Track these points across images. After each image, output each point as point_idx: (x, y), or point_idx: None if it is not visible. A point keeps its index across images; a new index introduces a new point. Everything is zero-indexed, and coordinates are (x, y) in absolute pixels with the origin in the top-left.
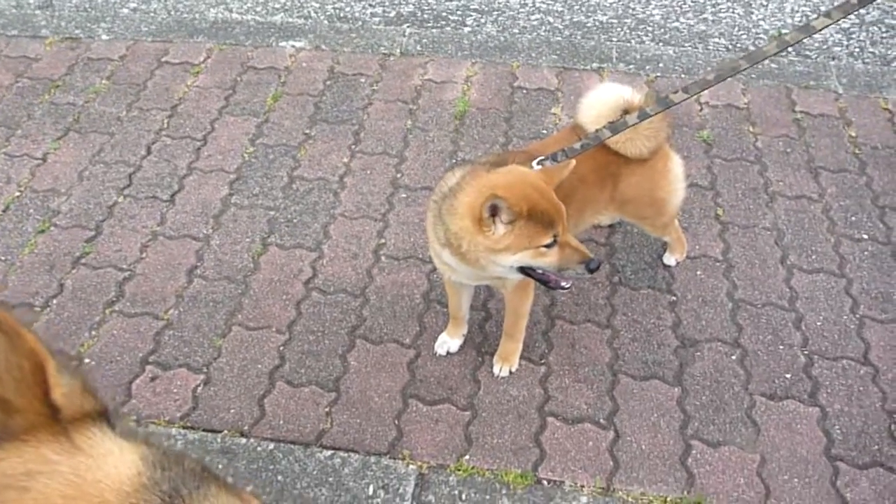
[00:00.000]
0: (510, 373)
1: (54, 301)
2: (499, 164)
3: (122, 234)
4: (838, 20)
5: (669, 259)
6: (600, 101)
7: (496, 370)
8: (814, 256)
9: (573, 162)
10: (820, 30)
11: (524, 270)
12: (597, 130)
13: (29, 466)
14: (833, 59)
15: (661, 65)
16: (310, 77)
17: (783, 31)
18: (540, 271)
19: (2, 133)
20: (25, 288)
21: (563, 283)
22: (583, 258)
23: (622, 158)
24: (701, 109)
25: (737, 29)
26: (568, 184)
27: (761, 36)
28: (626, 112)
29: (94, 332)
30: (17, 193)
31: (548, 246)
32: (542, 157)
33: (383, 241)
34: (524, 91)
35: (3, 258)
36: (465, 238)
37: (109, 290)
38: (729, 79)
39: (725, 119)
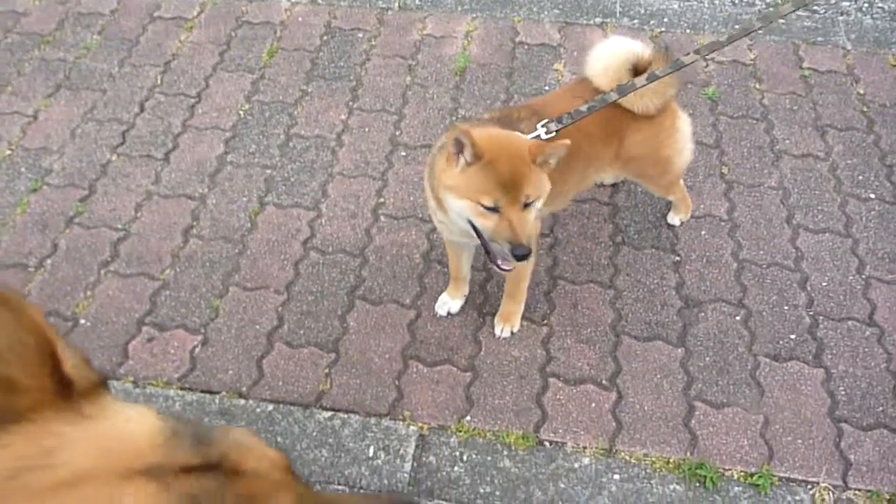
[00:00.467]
0: (511, 333)
1: (48, 261)
2: (502, 119)
3: (116, 193)
4: None
5: (673, 219)
6: (610, 54)
7: (497, 331)
8: (820, 216)
9: (567, 142)
10: None
11: (476, 231)
12: (604, 93)
13: (44, 443)
14: (842, 14)
15: (665, 19)
16: (306, 32)
17: None
18: (485, 237)
19: None
20: (18, 248)
21: (499, 262)
22: (512, 238)
23: (629, 115)
24: (707, 66)
25: None
26: (573, 140)
27: None
28: (635, 67)
29: (88, 293)
30: (8, 152)
31: (489, 209)
32: (548, 120)
33: (382, 200)
34: (526, 46)
35: None
36: (435, 174)
37: (104, 250)
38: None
39: (731, 76)
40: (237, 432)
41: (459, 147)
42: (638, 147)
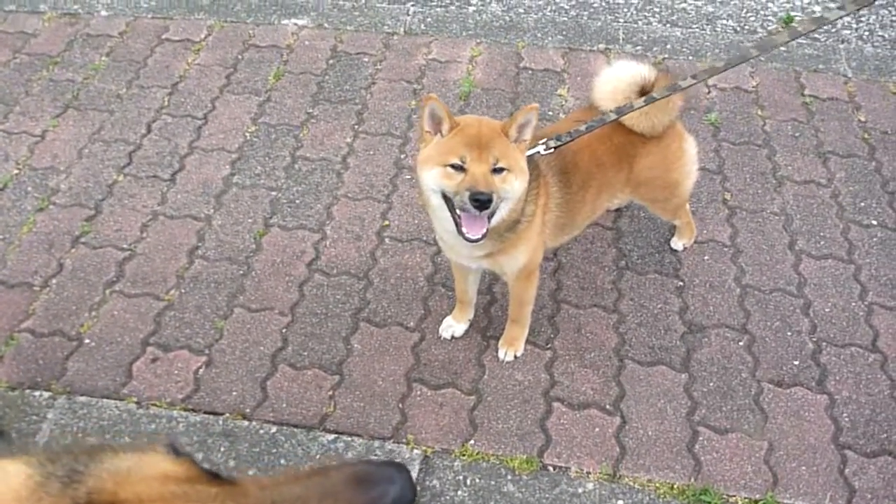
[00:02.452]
0: (515, 357)
1: (53, 281)
2: None
3: (122, 213)
4: (851, 12)
5: (677, 244)
6: (617, 78)
7: (501, 355)
8: (822, 242)
9: (536, 105)
10: (833, 21)
11: (448, 204)
12: (602, 114)
13: None
14: (842, 42)
15: (668, 46)
16: (312, 56)
17: (792, 13)
18: (458, 209)
19: (0, 109)
20: (24, 267)
21: (464, 230)
22: (472, 185)
23: (638, 140)
24: (709, 92)
25: (745, 11)
26: (586, 168)
27: (770, 18)
28: (642, 89)
29: (93, 313)
30: (16, 171)
31: (456, 167)
32: (547, 138)
33: (387, 222)
34: (530, 72)
35: (1, 237)
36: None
37: (109, 270)
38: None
39: (733, 102)
40: (118, 460)
41: (436, 122)
42: (648, 171)
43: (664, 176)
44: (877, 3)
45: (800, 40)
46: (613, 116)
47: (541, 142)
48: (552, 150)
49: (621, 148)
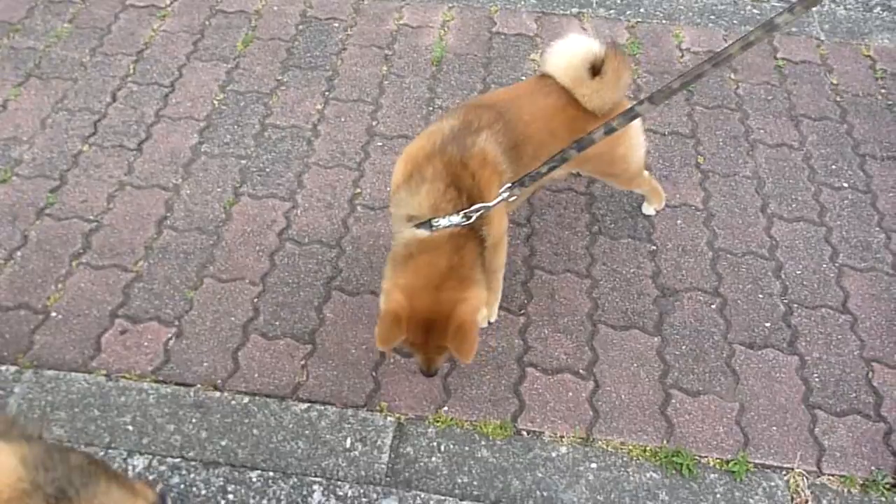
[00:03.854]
0: (489, 324)
1: (18, 253)
2: (463, 128)
3: (88, 183)
4: (800, 15)
5: (648, 209)
6: (569, 52)
7: None
8: (794, 205)
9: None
10: (783, 27)
11: None
12: (562, 151)
13: None
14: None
15: (641, 10)
16: (281, 21)
17: None
18: None
19: None
20: None
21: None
22: (422, 369)
23: (589, 115)
24: (682, 56)
25: None
26: (538, 138)
27: None
28: (593, 66)
29: (60, 285)
30: None
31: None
32: (510, 185)
33: (359, 190)
34: (502, 36)
35: None
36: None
37: (76, 242)
38: (693, 82)
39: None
40: (108, 495)
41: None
42: (596, 146)
43: (610, 151)
44: None
45: (772, 3)
46: (574, 153)
47: (503, 189)
48: (515, 197)
49: (573, 121)
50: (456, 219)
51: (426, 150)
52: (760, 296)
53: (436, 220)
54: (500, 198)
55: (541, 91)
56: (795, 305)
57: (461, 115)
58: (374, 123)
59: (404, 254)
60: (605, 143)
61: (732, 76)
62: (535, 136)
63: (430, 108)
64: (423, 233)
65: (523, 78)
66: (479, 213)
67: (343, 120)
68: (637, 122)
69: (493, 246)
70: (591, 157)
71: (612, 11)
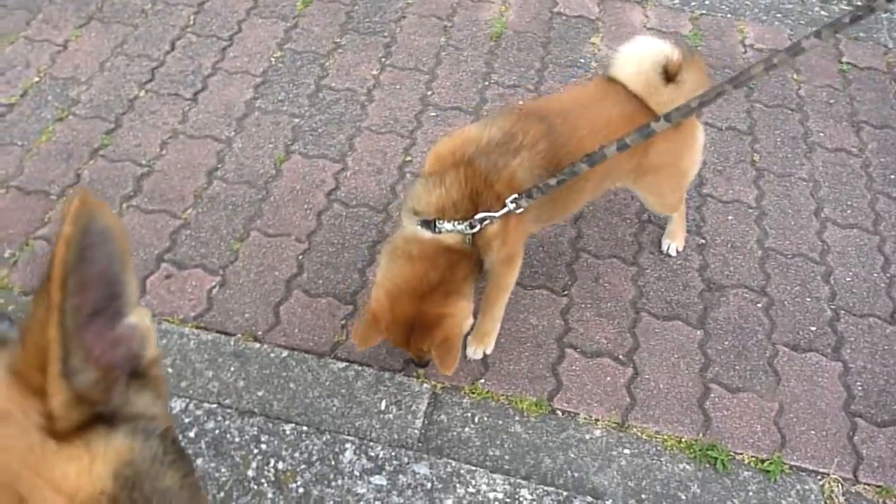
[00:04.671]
0: (485, 355)
1: (70, 191)
2: (504, 142)
3: (142, 128)
4: (828, 39)
5: (669, 246)
6: (640, 55)
7: (469, 353)
8: (849, 211)
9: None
10: (808, 50)
11: None
12: (573, 164)
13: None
14: (886, 11)
15: (706, 2)
16: None
17: None
18: None
19: (22, 16)
20: (42, 175)
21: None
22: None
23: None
24: (745, 52)
25: None
26: (599, 143)
27: None
28: (666, 70)
29: None
30: (37, 79)
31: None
32: (517, 196)
33: (409, 158)
34: (563, 17)
35: (19, 143)
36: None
37: (127, 185)
38: (715, 99)
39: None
40: None
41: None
42: (662, 156)
43: (676, 163)
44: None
45: (841, 6)
46: (585, 167)
47: (510, 199)
48: (522, 210)
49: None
50: (461, 226)
51: (456, 156)
52: (808, 299)
53: (441, 221)
54: (505, 209)
55: (605, 99)
56: (843, 312)
57: (508, 123)
58: (428, 93)
59: (402, 251)
60: (674, 154)
61: (795, 77)
62: (593, 143)
63: (486, 83)
64: (425, 233)
65: (582, 61)
66: (485, 223)
67: (398, 87)
68: (702, 142)
69: (505, 261)
70: (655, 168)
71: (676, 2)
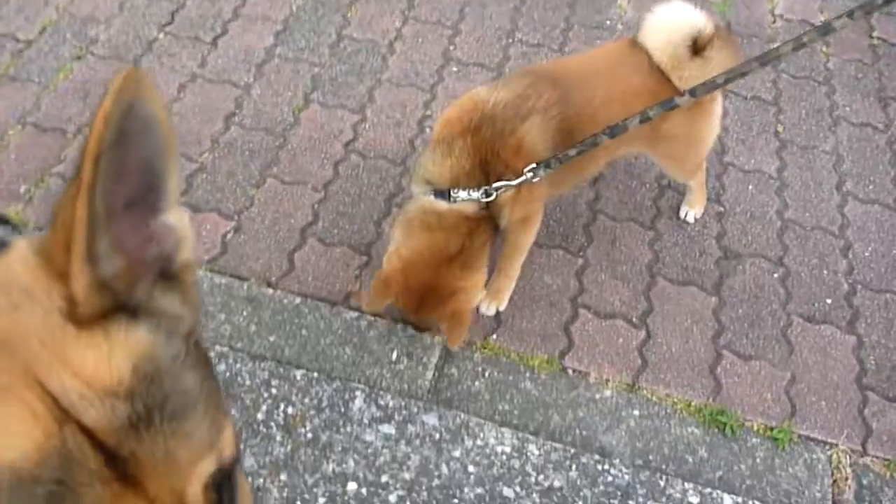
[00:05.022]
0: (498, 311)
1: (87, 129)
2: (514, 103)
3: (161, 71)
4: (859, 20)
5: (688, 213)
6: (671, 25)
7: (483, 308)
8: (871, 187)
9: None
10: (839, 29)
11: None
12: (594, 135)
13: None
14: None
15: None
16: None
17: None
18: None
19: None
20: (59, 113)
21: None
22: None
23: (675, 91)
24: (774, 21)
25: None
26: (613, 115)
27: None
28: (695, 42)
29: None
30: (55, 16)
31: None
32: (535, 165)
33: (429, 112)
34: None
35: (37, 80)
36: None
37: None
38: (740, 77)
39: (798, 34)
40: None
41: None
42: (679, 126)
43: (692, 132)
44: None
45: None
46: (604, 138)
47: (528, 168)
48: (539, 178)
49: (658, 97)
50: (476, 194)
51: (463, 123)
52: (825, 272)
53: (455, 191)
54: (522, 177)
55: (624, 66)
56: (860, 286)
57: (520, 86)
58: (451, 48)
59: (418, 221)
60: (689, 123)
61: (824, 49)
62: (606, 122)
63: (510, 41)
64: (441, 204)
65: (608, 22)
66: (500, 191)
67: (420, 41)
68: (720, 111)
69: (522, 222)
70: (670, 137)
71: None
